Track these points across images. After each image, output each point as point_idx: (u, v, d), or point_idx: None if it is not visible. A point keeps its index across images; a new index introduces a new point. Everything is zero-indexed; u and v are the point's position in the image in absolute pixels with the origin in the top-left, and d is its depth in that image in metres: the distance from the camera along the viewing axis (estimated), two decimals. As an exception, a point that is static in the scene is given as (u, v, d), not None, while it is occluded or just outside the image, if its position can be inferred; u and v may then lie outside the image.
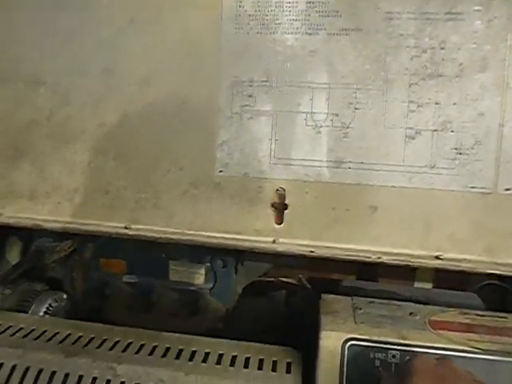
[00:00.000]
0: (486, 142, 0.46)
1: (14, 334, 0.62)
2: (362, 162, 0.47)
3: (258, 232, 0.48)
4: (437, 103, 0.46)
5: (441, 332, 0.53)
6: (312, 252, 0.46)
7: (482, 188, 0.46)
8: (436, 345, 0.51)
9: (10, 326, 0.64)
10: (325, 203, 0.47)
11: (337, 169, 0.47)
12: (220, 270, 0.82)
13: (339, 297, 0.62)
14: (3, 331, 0.62)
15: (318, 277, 0.94)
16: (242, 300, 0.90)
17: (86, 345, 0.61)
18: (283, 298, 0.94)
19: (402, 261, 0.46)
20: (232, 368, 0.57)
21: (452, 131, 0.46)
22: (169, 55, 0.50)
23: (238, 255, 0.88)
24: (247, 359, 0.59)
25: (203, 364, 0.58)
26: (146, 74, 0.50)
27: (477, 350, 0.51)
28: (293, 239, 0.48)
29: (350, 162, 0.47)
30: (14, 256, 0.86)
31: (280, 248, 0.47)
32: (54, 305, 0.78)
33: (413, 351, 0.51)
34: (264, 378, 0.55)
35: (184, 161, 0.50)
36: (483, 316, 0.58)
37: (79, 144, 0.52)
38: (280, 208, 0.48)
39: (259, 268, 0.93)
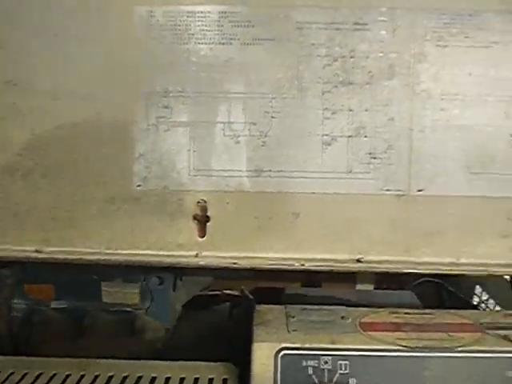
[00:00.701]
0: (398, 146, 0.47)
1: None
2: (282, 170, 0.47)
3: (181, 246, 0.47)
4: (350, 110, 0.47)
5: (371, 333, 0.54)
6: (235, 264, 0.45)
7: (397, 190, 0.47)
8: (366, 346, 0.52)
9: None
10: (247, 213, 0.47)
11: (257, 178, 0.47)
12: (156, 287, 0.79)
13: (273, 306, 0.61)
14: None
15: (263, 286, 0.94)
16: (183, 317, 0.87)
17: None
18: (227, 311, 0.92)
19: (325, 266, 0.46)
20: (166, 391, 0.55)
21: (365, 136, 0.47)
22: (79, 66, 0.48)
23: (176, 271, 0.86)
24: (182, 380, 0.57)
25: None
26: (55, 86, 0.47)
27: (404, 348, 0.52)
28: (216, 252, 0.46)
29: (270, 170, 0.47)
30: None
31: (202, 262, 0.46)
32: (-27, 338, 0.71)
33: (344, 355, 0.52)
34: (199, 397, 0.53)
35: (100, 176, 0.47)
36: (411, 314, 0.59)
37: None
38: (202, 220, 0.47)
39: (200, 282, 0.90)
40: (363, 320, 0.58)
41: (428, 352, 0.51)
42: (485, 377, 0.51)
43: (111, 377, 0.57)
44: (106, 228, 0.47)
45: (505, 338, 0.54)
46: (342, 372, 0.51)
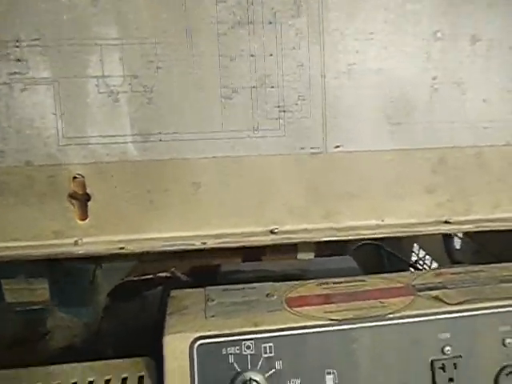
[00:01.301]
0: (310, 96, 0.41)
1: None
2: (175, 132, 0.39)
3: (58, 234, 0.38)
4: (251, 55, 0.39)
5: (298, 309, 0.49)
6: (122, 249, 0.38)
7: (312, 148, 0.41)
8: (292, 325, 0.47)
9: None
10: (137, 186, 0.39)
11: (145, 143, 0.39)
12: (67, 280, 0.70)
13: (191, 290, 0.55)
14: None
15: (198, 265, 0.87)
16: (109, 308, 0.79)
17: None
18: (159, 297, 0.85)
19: (234, 242, 0.40)
20: (70, 399, 0.47)
21: (272, 87, 0.40)
22: None
23: (92, 258, 0.76)
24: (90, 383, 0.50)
25: (31, 403, 0.47)
26: None
27: (333, 322, 0.47)
28: (103, 236, 0.38)
29: (160, 133, 0.39)
30: None
31: (82, 250, 0.37)
32: None
33: (267, 337, 0.46)
34: (107, 402, 0.46)
35: None
36: (341, 283, 0.55)
37: None
38: (81, 200, 0.38)
39: (121, 268, 0.82)
40: (290, 295, 0.52)
41: (356, 323, 0.47)
42: (417, 342, 0.48)
43: (3, 391, 0.48)
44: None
45: (436, 298, 0.51)
46: (266, 356, 0.46)
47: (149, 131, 0.39)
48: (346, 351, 0.47)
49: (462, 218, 0.44)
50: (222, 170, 0.39)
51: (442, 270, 0.59)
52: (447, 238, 0.82)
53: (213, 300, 0.51)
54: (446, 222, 0.43)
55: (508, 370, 0.49)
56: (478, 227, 0.43)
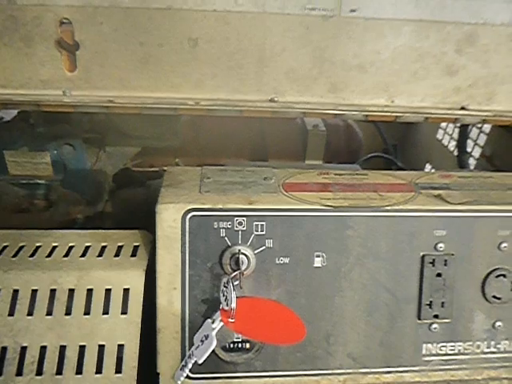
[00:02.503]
0: None
1: None
2: (172, -23, 0.35)
3: (45, 83, 0.36)
4: None
5: (293, 193, 0.48)
6: (111, 102, 0.35)
7: (324, 10, 0.36)
8: (284, 206, 0.46)
9: None
10: (129, 37, 0.36)
11: (139, -13, 0.34)
12: (70, 157, 0.70)
13: (187, 168, 0.54)
14: None
15: (203, 163, 0.86)
16: (113, 190, 0.80)
17: None
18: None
19: (228, 105, 0.37)
20: (65, 259, 0.49)
21: None
22: None
23: (95, 139, 0.76)
24: (87, 248, 0.52)
25: (29, 259, 0.49)
26: None
27: (327, 208, 0.47)
28: (91, 90, 0.36)
29: (156, -25, 0.35)
30: None
31: (69, 99, 0.35)
32: None
33: (260, 216, 0.46)
34: (102, 264, 0.48)
35: None
36: (342, 175, 0.54)
37: None
38: (70, 48, 0.35)
39: (124, 153, 0.82)
40: (288, 181, 0.51)
41: (352, 211, 0.47)
42: (412, 236, 0.48)
43: (5, 246, 0.51)
44: None
45: (437, 196, 0.50)
46: (257, 233, 0.46)
47: (143, -28, 0.35)
48: (338, 237, 0.47)
49: (482, 108, 0.40)
50: (223, 26, 0.36)
51: (451, 173, 0.57)
52: (463, 129, 0.78)
53: (209, 178, 0.50)
54: (463, 108, 0.39)
55: (498, 272, 0.49)
56: (496, 119, 0.40)
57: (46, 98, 0.34)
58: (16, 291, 0.45)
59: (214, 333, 0.39)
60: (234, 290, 0.39)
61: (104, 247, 0.52)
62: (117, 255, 0.50)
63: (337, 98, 0.38)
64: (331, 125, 1.01)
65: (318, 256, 0.47)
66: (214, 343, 0.40)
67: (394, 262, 0.48)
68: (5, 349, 0.43)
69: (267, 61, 0.37)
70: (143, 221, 0.63)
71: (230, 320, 0.42)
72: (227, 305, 0.42)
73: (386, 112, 0.38)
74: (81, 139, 0.68)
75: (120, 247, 0.52)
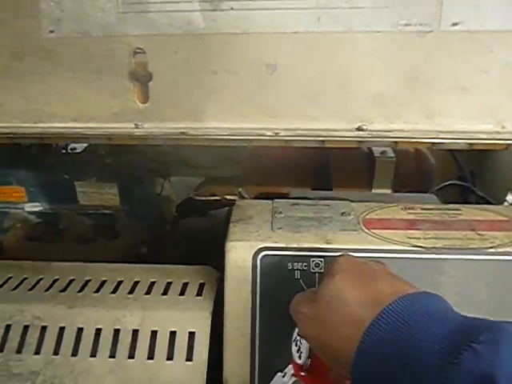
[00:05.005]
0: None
1: None
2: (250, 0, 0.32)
3: (116, 116, 0.34)
4: None
5: (376, 231, 0.43)
6: (184, 134, 0.33)
7: (420, 25, 0.32)
8: (368, 246, 0.41)
9: None
10: (202, 66, 0.33)
11: (214, 12, 0.32)
12: (136, 188, 0.70)
13: (258, 201, 0.51)
14: None
15: (266, 191, 0.83)
16: (176, 220, 0.79)
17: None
18: (224, 216, 0.84)
19: (312, 137, 0.33)
20: (130, 296, 0.47)
21: None
22: None
23: (161, 170, 0.76)
24: (152, 284, 0.49)
25: (95, 294, 0.47)
26: None
27: (417, 249, 0.41)
28: (162, 122, 0.34)
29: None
30: None
31: (141, 132, 0.33)
32: None
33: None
34: (167, 303, 0.45)
35: (3, 21, 0.34)
36: (431, 210, 0.47)
37: None
38: (142, 79, 0.34)
39: (188, 183, 0.81)
40: (368, 216, 0.46)
41: (447, 253, 0.40)
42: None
43: (72, 280, 0.50)
44: (16, 94, 0.35)
45: (551, 235, 0.42)
46: (336, 276, 0.41)
47: (218, -3, 0.32)
48: (430, 283, 0.40)
49: None
50: (304, 49, 0.32)
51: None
52: None
53: (280, 212, 0.46)
54: None
55: None
56: None
57: (118, 131, 0.33)
58: (80, 329, 0.44)
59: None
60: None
61: (169, 284, 0.49)
62: (182, 293, 0.47)
63: (435, 125, 0.33)
64: (400, 151, 0.93)
65: (406, 304, 0.40)
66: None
67: (497, 315, 0.40)
68: (66, 392, 0.41)
69: (353, 85, 0.33)
70: (205, 252, 0.61)
71: (302, 374, 0.36)
72: (300, 357, 0.37)
73: (496, 140, 0.32)
74: (146, 169, 0.68)
75: (185, 284, 0.49)
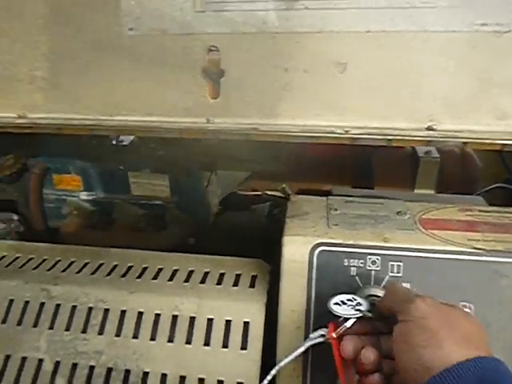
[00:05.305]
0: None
1: None
2: (324, -1, 0.33)
3: (189, 111, 0.36)
4: None
5: (434, 232, 0.43)
6: (256, 129, 0.34)
7: (497, 25, 0.31)
8: (426, 247, 0.41)
9: None
10: (274, 63, 0.34)
11: (288, 11, 0.33)
12: (186, 180, 0.72)
13: (312, 197, 0.51)
14: None
15: (306, 188, 0.84)
16: (220, 213, 0.81)
17: (21, 266, 0.53)
18: (266, 211, 0.85)
19: (381, 135, 0.33)
20: (186, 284, 0.49)
21: None
22: None
23: (208, 164, 0.78)
24: (206, 274, 0.51)
25: (153, 281, 0.49)
26: None
27: (478, 251, 0.40)
28: (232, 117, 0.35)
29: (307, -1, 0.33)
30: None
31: (213, 127, 0.35)
32: (1, 227, 0.70)
33: (397, 255, 0.41)
34: (222, 293, 0.47)
35: (80, 19, 0.36)
36: (489, 212, 0.47)
37: None
38: (215, 76, 0.35)
39: (235, 177, 0.82)
40: (425, 216, 0.46)
41: (508, 257, 0.40)
42: None
43: (130, 267, 0.52)
44: (95, 88, 0.37)
45: None
46: (393, 275, 0.41)
47: (293, -3, 0.33)
48: (490, 286, 0.40)
49: None
50: (375, 48, 0.33)
51: None
52: None
53: (336, 209, 0.47)
54: None
55: None
56: None
57: (191, 125, 0.34)
58: (140, 313, 0.46)
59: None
60: (357, 312, 0.35)
61: (222, 274, 0.50)
62: (235, 284, 0.49)
63: (507, 126, 0.33)
64: (445, 151, 0.91)
65: (463, 306, 0.40)
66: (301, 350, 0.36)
67: (559, 322, 0.40)
68: (128, 372, 0.43)
69: (424, 85, 0.33)
70: (247, 245, 0.62)
71: (334, 335, 0.36)
72: (340, 323, 0.37)
73: None
74: (196, 163, 0.70)
75: (238, 276, 0.50)
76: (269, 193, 0.86)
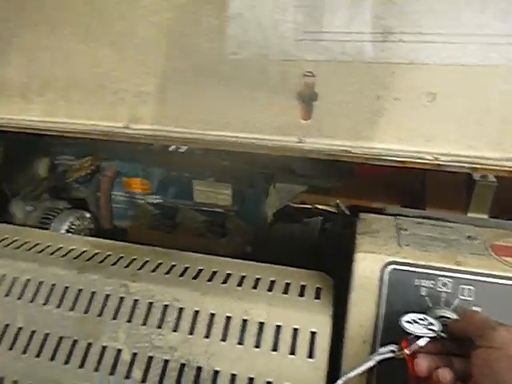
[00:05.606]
0: None
1: (30, 249, 0.60)
2: (420, 33, 0.35)
3: (281, 130, 0.38)
4: None
5: (507, 259, 0.43)
6: (347, 152, 0.36)
7: None
8: (500, 273, 0.42)
9: (27, 242, 0.61)
10: (367, 91, 0.36)
11: (383, 43, 0.35)
12: (248, 190, 0.75)
13: (380, 216, 0.53)
14: (19, 246, 0.60)
15: (358, 204, 0.85)
16: (274, 224, 0.84)
17: (100, 261, 0.57)
18: (319, 225, 0.87)
19: (467, 163, 0.35)
20: (254, 290, 0.51)
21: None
22: None
23: (268, 176, 0.80)
24: (272, 282, 0.53)
25: (223, 285, 0.52)
26: None
27: (554, 281, 0.40)
28: (323, 138, 0.38)
29: (402, 32, 0.35)
30: (43, 172, 0.84)
31: (306, 147, 0.37)
32: (76, 223, 0.76)
33: (469, 279, 0.42)
34: (289, 302, 0.49)
35: (187, 42, 0.40)
36: None
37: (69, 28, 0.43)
38: (307, 99, 0.38)
39: (292, 190, 0.85)
40: (497, 243, 0.46)
41: None
42: None
43: (201, 270, 0.55)
44: (197, 105, 0.40)
45: None
46: (463, 298, 0.42)
47: (389, 29, 0.35)
48: None
49: None
50: (466, 81, 0.34)
51: None
52: None
53: (406, 229, 0.48)
54: None
55: None
56: None
57: (282, 144, 0.37)
58: (212, 315, 0.48)
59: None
60: (430, 332, 0.36)
61: (288, 284, 0.53)
62: (301, 295, 0.51)
63: None
64: (503, 176, 0.89)
65: (535, 335, 0.40)
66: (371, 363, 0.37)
67: None
68: (200, 369, 0.46)
69: (511, 118, 0.34)
70: (299, 256, 0.64)
71: (407, 351, 0.37)
72: (412, 341, 0.38)
73: None
74: (257, 174, 0.73)
75: (303, 287, 0.52)
76: (319, 207, 0.88)
